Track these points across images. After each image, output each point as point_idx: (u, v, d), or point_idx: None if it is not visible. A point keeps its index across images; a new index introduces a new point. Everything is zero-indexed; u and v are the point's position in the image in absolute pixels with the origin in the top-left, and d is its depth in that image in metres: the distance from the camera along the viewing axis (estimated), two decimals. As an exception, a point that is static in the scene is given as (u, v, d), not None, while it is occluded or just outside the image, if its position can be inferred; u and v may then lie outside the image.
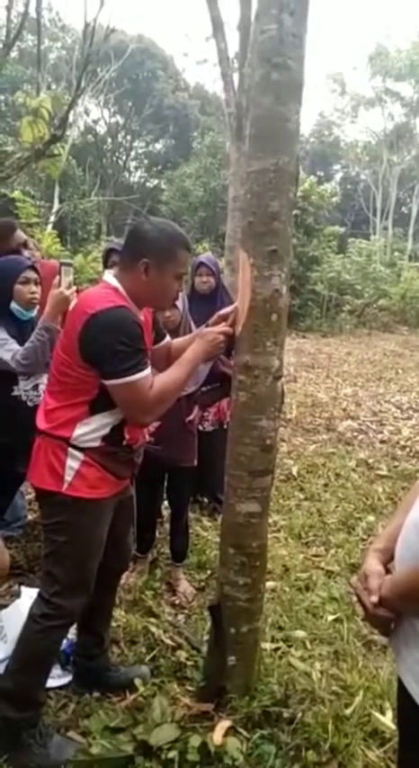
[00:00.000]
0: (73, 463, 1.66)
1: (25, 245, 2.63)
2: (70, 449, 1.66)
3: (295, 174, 1.75)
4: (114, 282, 1.67)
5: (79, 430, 1.65)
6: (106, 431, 1.68)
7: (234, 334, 1.80)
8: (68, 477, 1.66)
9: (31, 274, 2.35)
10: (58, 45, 23.07)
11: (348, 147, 30.06)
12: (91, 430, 1.66)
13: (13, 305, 2.33)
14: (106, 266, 2.94)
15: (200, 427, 3.21)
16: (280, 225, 1.72)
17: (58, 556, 1.71)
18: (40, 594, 1.75)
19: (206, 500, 3.73)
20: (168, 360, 1.84)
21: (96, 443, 1.68)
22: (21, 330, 2.35)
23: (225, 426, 3.24)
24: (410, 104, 26.96)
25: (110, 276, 1.71)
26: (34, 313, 2.40)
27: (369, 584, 1.13)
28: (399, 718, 1.23)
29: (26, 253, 2.62)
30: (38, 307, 2.40)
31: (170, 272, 1.67)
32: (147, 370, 1.60)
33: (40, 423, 1.72)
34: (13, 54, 17.24)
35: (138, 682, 1.96)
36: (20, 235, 2.63)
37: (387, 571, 1.17)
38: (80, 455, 1.66)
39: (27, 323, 2.36)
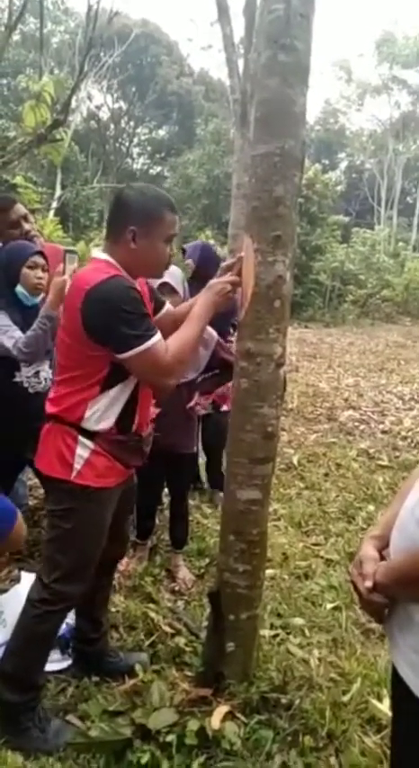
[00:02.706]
0: (83, 452, 1.64)
1: (25, 218, 2.59)
2: (81, 437, 1.64)
3: (300, 158, 1.73)
4: (104, 256, 1.64)
5: (91, 410, 1.62)
6: (118, 409, 1.65)
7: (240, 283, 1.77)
8: (77, 466, 1.64)
9: (40, 260, 2.33)
10: (61, 29, 22.81)
11: (353, 136, 29.83)
12: (103, 409, 1.63)
13: (19, 288, 2.31)
14: None
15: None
16: (284, 210, 1.70)
17: (63, 542, 1.70)
18: (39, 579, 1.74)
19: (206, 486, 3.74)
20: (175, 328, 1.77)
21: (110, 424, 1.65)
22: (25, 316, 2.33)
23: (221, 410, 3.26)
24: (417, 92, 26.68)
25: (98, 252, 1.68)
26: (39, 299, 2.38)
27: (364, 570, 1.13)
28: (393, 705, 1.24)
29: (26, 226, 2.58)
30: (43, 294, 2.38)
31: (158, 236, 1.63)
32: (158, 335, 1.56)
33: (50, 408, 1.69)
34: (16, 37, 17.07)
35: (137, 668, 1.97)
36: (19, 208, 2.58)
37: (383, 558, 1.16)
38: (90, 444, 1.64)
39: (32, 309, 2.34)
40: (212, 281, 1.78)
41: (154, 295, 1.88)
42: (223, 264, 1.87)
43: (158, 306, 1.89)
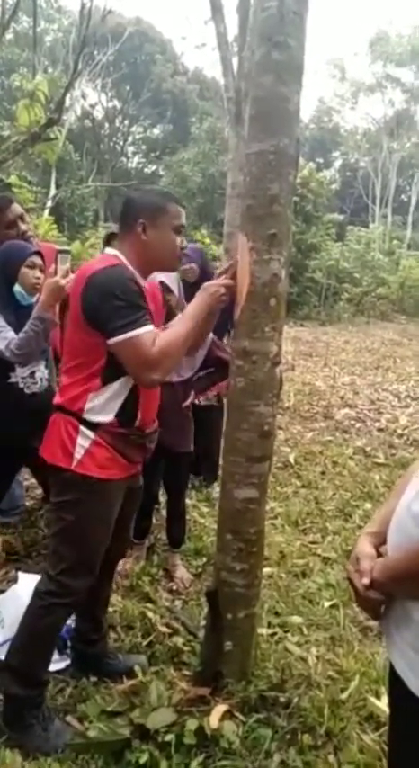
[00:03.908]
0: (83, 442, 1.67)
1: (22, 218, 2.58)
2: (82, 427, 1.67)
3: (295, 156, 1.73)
4: (114, 252, 1.72)
5: (91, 402, 1.66)
6: (119, 403, 1.68)
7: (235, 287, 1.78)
8: (78, 455, 1.67)
9: (38, 260, 2.32)
10: (55, 27, 22.74)
11: (348, 134, 29.86)
12: (103, 402, 1.66)
13: (17, 287, 2.29)
14: None
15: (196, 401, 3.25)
16: (279, 208, 1.70)
17: (66, 534, 1.72)
18: (45, 572, 1.77)
19: (198, 482, 3.74)
20: None
21: (109, 417, 1.67)
22: (19, 317, 2.31)
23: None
24: (411, 91, 26.73)
25: (109, 249, 1.76)
26: (34, 299, 2.36)
27: (361, 567, 1.13)
28: (390, 702, 1.24)
29: (23, 226, 2.57)
30: (37, 294, 2.36)
31: (167, 225, 1.69)
32: (148, 327, 1.58)
33: (56, 398, 1.76)
34: (9, 36, 16.95)
35: (136, 669, 1.97)
36: (16, 207, 2.57)
37: (380, 554, 1.16)
38: (91, 434, 1.67)
39: (26, 309, 2.33)
40: (207, 283, 1.80)
41: (166, 303, 1.92)
42: (219, 270, 1.88)
43: (170, 316, 1.94)
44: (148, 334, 1.58)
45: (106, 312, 1.55)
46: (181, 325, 1.69)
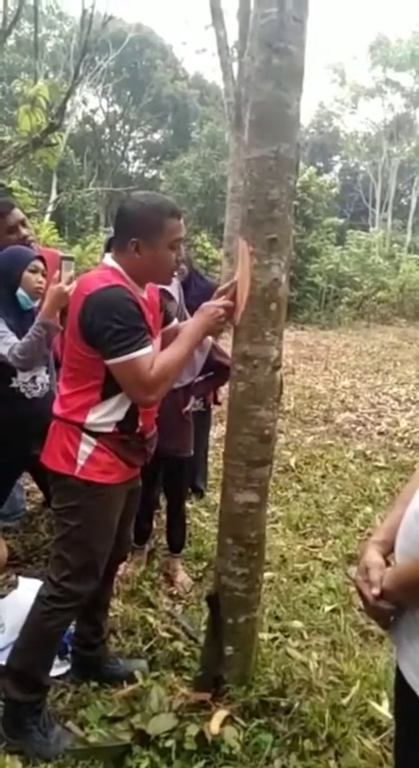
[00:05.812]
0: (86, 448, 1.68)
1: (23, 223, 2.58)
2: (84, 434, 1.68)
3: (295, 161, 1.73)
4: (112, 263, 1.69)
5: (92, 416, 1.67)
6: (120, 416, 1.69)
7: (234, 309, 1.78)
8: (81, 461, 1.68)
9: (40, 264, 2.33)
10: (56, 33, 22.88)
11: (348, 138, 29.94)
12: (103, 414, 1.67)
13: (20, 291, 2.30)
14: None
15: None
16: (279, 213, 1.70)
17: (69, 540, 1.72)
18: (48, 577, 1.77)
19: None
20: None
21: (110, 429, 1.69)
22: (21, 322, 2.32)
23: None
24: (410, 95, 26.83)
25: (108, 258, 1.73)
26: (36, 304, 2.37)
27: (371, 576, 1.12)
28: (397, 710, 1.22)
29: (24, 231, 2.58)
30: (39, 300, 2.37)
31: (161, 244, 1.64)
32: (147, 349, 1.59)
33: (56, 408, 1.75)
34: (10, 42, 17.06)
35: (137, 674, 1.97)
36: (17, 212, 2.57)
37: (388, 563, 1.16)
38: (93, 441, 1.68)
39: (27, 314, 2.34)
40: (206, 304, 1.80)
41: (164, 307, 1.91)
42: (218, 289, 1.88)
43: (167, 319, 1.94)
44: (146, 357, 1.58)
45: (104, 334, 1.55)
46: (178, 346, 1.69)
